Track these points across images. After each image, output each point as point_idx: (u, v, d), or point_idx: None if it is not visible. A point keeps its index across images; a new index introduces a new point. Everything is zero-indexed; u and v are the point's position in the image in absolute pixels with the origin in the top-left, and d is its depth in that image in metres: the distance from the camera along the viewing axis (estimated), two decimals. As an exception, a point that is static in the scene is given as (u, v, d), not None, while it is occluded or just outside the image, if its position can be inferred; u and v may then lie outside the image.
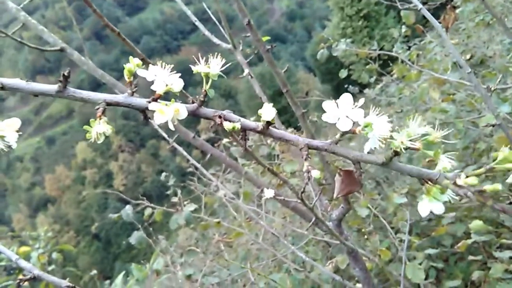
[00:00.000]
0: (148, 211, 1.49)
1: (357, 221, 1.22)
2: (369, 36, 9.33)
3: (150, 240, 1.50)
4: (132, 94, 0.36)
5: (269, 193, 0.80)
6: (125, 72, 0.36)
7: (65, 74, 0.34)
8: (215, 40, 1.05)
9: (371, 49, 1.69)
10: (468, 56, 1.59)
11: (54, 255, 1.77)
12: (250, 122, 0.36)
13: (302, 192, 0.69)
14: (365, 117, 0.33)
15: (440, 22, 1.10)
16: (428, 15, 0.85)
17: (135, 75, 0.37)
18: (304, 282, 1.25)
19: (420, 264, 1.04)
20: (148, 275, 1.43)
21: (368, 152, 0.34)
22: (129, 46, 0.76)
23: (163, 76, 0.35)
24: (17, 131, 0.34)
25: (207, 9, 1.16)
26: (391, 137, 0.32)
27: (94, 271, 2.15)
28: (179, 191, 1.55)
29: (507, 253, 0.99)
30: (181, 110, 0.34)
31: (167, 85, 0.35)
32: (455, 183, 0.30)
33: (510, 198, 0.99)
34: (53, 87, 0.35)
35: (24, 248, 1.72)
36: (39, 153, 27.86)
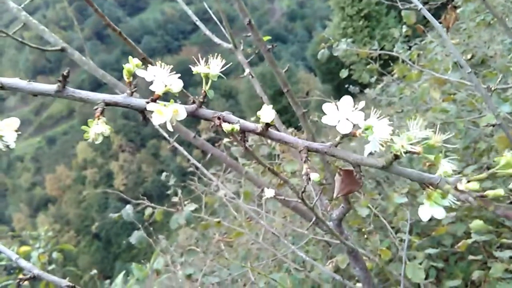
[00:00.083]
0: (148, 211, 1.50)
1: (358, 221, 1.22)
2: (370, 36, 9.33)
3: (150, 239, 1.51)
4: (131, 94, 0.36)
5: (269, 192, 0.80)
6: (124, 72, 0.36)
7: (65, 74, 0.34)
8: (216, 39, 1.05)
9: (372, 49, 1.69)
10: (469, 56, 1.59)
11: (55, 254, 1.78)
12: (250, 124, 0.36)
13: (302, 192, 0.69)
14: (365, 119, 0.33)
15: (441, 22, 1.10)
16: (428, 15, 0.85)
17: (134, 75, 0.37)
18: (304, 281, 1.25)
19: (420, 263, 1.04)
20: (148, 275, 1.43)
21: (368, 155, 0.34)
22: (130, 45, 0.76)
23: (162, 76, 0.35)
24: (17, 131, 0.34)
25: (208, 9, 1.17)
26: (392, 141, 0.32)
27: (94, 271, 2.15)
28: (179, 191, 1.55)
29: (507, 252, 0.99)
30: (180, 111, 0.34)
31: (166, 85, 0.35)
32: (456, 188, 0.30)
33: (510, 198, 0.99)
34: (52, 87, 0.35)
35: (24, 248, 1.72)
36: (40, 153, 27.89)
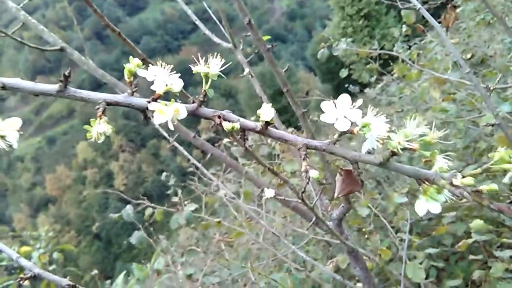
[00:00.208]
0: (148, 211, 1.50)
1: (358, 221, 1.22)
2: (369, 35, 9.33)
3: (150, 240, 1.51)
4: (132, 94, 0.36)
5: (269, 192, 0.80)
6: (125, 72, 0.36)
7: (66, 74, 0.34)
8: (216, 39, 1.05)
9: (372, 49, 1.69)
10: (469, 56, 1.59)
11: (55, 255, 1.78)
12: (249, 122, 0.36)
13: (302, 192, 0.69)
14: (363, 117, 0.33)
15: (440, 22, 1.10)
16: (427, 15, 0.85)
17: (135, 75, 0.37)
18: (305, 281, 1.25)
19: (420, 263, 1.04)
20: (149, 275, 1.43)
21: (366, 152, 0.34)
22: (129, 46, 0.76)
23: (163, 76, 0.35)
24: (18, 131, 0.34)
25: (207, 8, 1.16)
26: (389, 138, 0.32)
27: (95, 271, 2.15)
28: (179, 191, 1.55)
29: (508, 252, 0.99)
30: (181, 110, 0.34)
31: (167, 85, 0.35)
32: (451, 183, 0.30)
33: (510, 197, 0.99)
34: (53, 87, 0.35)
35: (25, 248, 1.72)
36: (40, 153, 27.89)
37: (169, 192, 1.68)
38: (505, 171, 0.30)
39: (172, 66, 0.36)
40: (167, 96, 0.36)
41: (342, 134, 0.34)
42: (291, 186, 0.73)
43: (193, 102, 0.39)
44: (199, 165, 1.33)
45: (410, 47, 2.10)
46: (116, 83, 0.82)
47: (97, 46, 30.76)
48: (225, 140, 1.57)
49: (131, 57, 0.36)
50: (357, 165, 0.38)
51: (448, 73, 1.29)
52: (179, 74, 0.36)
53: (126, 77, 0.36)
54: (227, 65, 0.37)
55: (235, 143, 1.53)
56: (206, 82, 0.36)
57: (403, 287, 0.96)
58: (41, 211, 22.86)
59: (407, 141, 0.31)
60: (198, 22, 1.06)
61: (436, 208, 0.32)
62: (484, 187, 0.30)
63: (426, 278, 1.03)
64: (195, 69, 0.36)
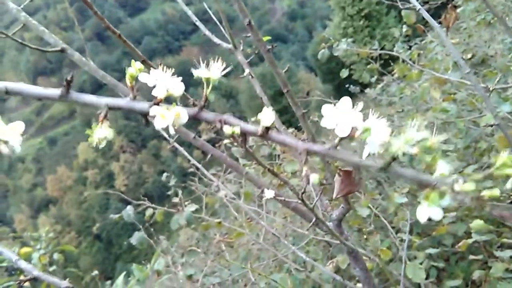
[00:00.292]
0: (149, 212, 1.50)
1: (358, 221, 1.22)
2: (370, 35, 9.33)
3: (151, 240, 1.51)
4: (134, 98, 0.36)
5: (269, 193, 0.80)
6: (127, 77, 0.36)
7: (68, 79, 0.34)
8: (216, 40, 1.05)
9: (372, 49, 1.69)
10: (469, 56, 1.59)
11: (55, 255, 1.78)
12: (250, 127, 0.36)
13: (302, 193, 0.69)
14: (364, 120, 0.33)
15: (440, 22, 1.10)
16: (427, 16, 0.85)
17: (136, 78, 0.37)
18: (305, 282, 1.25)
19: (421, 263, 1.03)
20: (149, 276, 1.44)
21: (367, 157, 0.35)
22: (129, 47, 0.76)
23: (164, 80, 0.35)
24: (21, 135, 0.34)
25: (207, 9, 1.17)
26: (389, 143, 0.32)
27: (96, 272, 2.15)
28: (180, 192, 1.55)
29: (508, 252, 0.99)
30: (182, 114, 0.35)
31: (168, 90, 0.35)
32: (452, 189, 0.30)
33: (511, 197, 0.99)
34: (56, 92, 0.35)
35: (25, 249, 1.72)
36: (41, 153, 27.94)
37: (169, 192, 1.68)
38: (507, 176, 0.30)
39: (173, 69, 0.36)
40: (169, 98, 0.36)
41: (342, 139, 0.34)
42: (291, 187, 0.73)
43: (193, 104, 0.40)
44: (199, 165, 1.33)
45: (410, 47, 2.09)
46: (116, 84, 0.82)
47: (98, 47, 30.83)
48: (226, 141, 1.57)
49: (132, 61, 0.37)
50: (358, 170, 0.38)
51: (449, 73, 1.29)
52: (180, 78, 0.36)
53: (128, 81, 0.36)
54: (228, 69, 0.37)
55: (235, 144, 1.53)
56: (207, 86, 0.36)
57: (402, 287, 0.96)
58: (42, 212, 22.89)
59: (408, 146, 0.31)
60: (198, 23, 1.06)
61: (438, 214, 0.32)
62: (486, 192, 0.30)
63: (427, 278, 1.03)
64: (196, 73, 0.37)
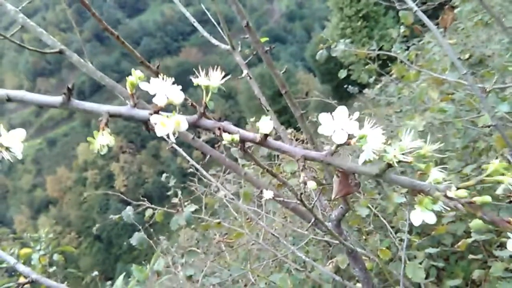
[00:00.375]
0: (149, 212, 1.50)
1: (357, 221, 1.23)
2: (368, 36, 9.34)
3: (151, 241, 1.51)
4: (134, 106, 0.37)
5: (268, 194, 0.81)
6: (128, 85, 0.37)
7: (69, 87, 0.35)
8: (214, 41, 1.06)
9: (370, 49, 1.70)
10: (467, 56, 1.60)
11: (55, 256, 1.77)
12: (249, 134, 0.37)
13: (301, 194, 0.69)
14: (361, 126, 0.34)
15: (438, 22, 1.11)
16: (423, 17, 0.85)
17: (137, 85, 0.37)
18: (305, 282, 1.25)
19: (420, 263, 1.04)
20: (149, 276, 1.43)
21: (363, 163, 0.35)
22: (128, 49, 0.76)
23: (164, 89, 0.36)
24: (22, 142, 0.34)
25: (205, 10, 1.17)
26: (385, 151, 0.33)
27: (96, 272, 2.15)
28: (179, 192, 1.56)
29: (507, 251, 0.99)
30: (182, 122, 0.35)
31: (168, 98, 0.36)
32: (445, 195, 0.31)
33: (510, 197, 0.99)
34: (57, 99, 0.36)
35: (25, 250, 1.72)
36: (40, 154, 27.90)
37: (169, 193, 1.68)
38: (498, 183, 0.31)
39: (172, 71, 0.36)
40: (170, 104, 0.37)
41: (339, 146, 0.35)
42: (290, 187, 0.73)
43: (192, 105, 0.40)
44: (198, 166, 1.33)
45: (408, 47, 2.10)
46: (115, 85, 0.82)
47: (97, 48, 30.79)
48: (225, 141, 1.57)
49: (133, 70, 0.37)
50: (354, 176, 0.39)
51: (446, 74, 1.30)
52: (180, 87, 0.36)
53: (128, 89, 0.37)
54: (227, 77, 0.38)
55: (234, 145, 1.53)
56: (207, 94, 0.37)
57: (402, 287, 0.97)
58: (41, 212, 22.85)
59: (402, 154, 0.32)
60: (196, 24, 1.06)
61: (431, 219, 0.33)
62: (477, 198, 0.30)
63: (426, 278, 1.03)
64: (196, 81, 0.37)
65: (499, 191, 0.31)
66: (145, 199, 1.53)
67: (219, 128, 0.37)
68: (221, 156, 0.94)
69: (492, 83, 1.04)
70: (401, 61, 1.61)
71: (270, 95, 7.73)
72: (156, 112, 0.36)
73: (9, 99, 0.35)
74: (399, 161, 0.32)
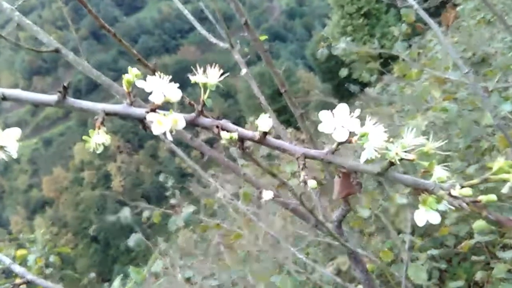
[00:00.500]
0: (146, 213, 1.48)
1: (359, 222, 1.21)
2: (369, 34, 9.32)
3: (148, 242, 1.49)
4: (131, 104, 0.36)
5: (267, 194, 0.79)
6: (124, 83, 0.37)
7: (65, 85, 0.34)
8: (213, 39, 1.04)
9: (372, 48, 1.68)
10: (469, 54, 1.58)
11: (52, 258, 1.75)
12: (247, 132, 0.37)
13: (301, 194, 0.68)
14: (362, 123, 0.33)
15: (440, 21, 1.09)
16: (424, 15, 0.83)
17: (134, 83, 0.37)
18: (306, 283, 1.24)
19: (422, 264, 1.02)
20: (146, 278, 1.41)
21: (365, 161, 0.35)
22: (125, 46, 0.74)
23: (161, 87, 0.35)
24: (18, 141, 0.34)
25: (204, 8, 1.15)
26: (387, 148, 0.32)
27: (93, 274, 2.13)
28: (178, 192, 1.54)
29: (510, 253, 0.98)
30: (179, 121, 0.35)
31: (165, 96, 0.35)
32: (450, 194, 0.31)
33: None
34: (53, 98, 0.35)
35: (21, 251, 1.70)
36: (36, 154, 27.76)
37: (167, 193, 1.66)
38: (504, 181, 0.30)
39: (170, 68, 0.35)
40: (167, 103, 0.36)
41: (340, 144, 0.34)
42: (290, 188, 0.71)
43: (190, 103, 0.39)
44: (197, 167, 1.31)
45: (410, 46, 2.09)
46: (111, 84, 0.80)
47: (94, 46, 30.63)
48: (224, 141, 1.55)
49: (129, 67, 0.37)
50: (355, 175, 0.38)
51: (449, 72, 1.28)
52: (177, 85, 0.36)
53: (124, 87, 0.36)
54: (225, 75, 0.37)
55: (233, 144, 1.51)
56: (205, 92, 0.36)
57: (405, 290, 0.95)
58: (38, 213, 22.74)
59: (405, 152, 0.32)
60: (194, 22, 1.04)
61: (435, 219, 0.32)
62: (482, 197, 0.30)
63: (429, 279, 1.02)
64: (193, 79, 0.37)
65: (505, 189, 0.30)
66: (143, 200, 1.51)
67: (217, 126, 0.36)
68: (220, 157, 0.92)
69: (495, 82, 1.02)
70: (403, 60, 1.59)
71: (270, 93, 7.70)
72: (153, 110, 0.35)
73: (4, 98, 0.34)
74: (401, 159, 0.32)
